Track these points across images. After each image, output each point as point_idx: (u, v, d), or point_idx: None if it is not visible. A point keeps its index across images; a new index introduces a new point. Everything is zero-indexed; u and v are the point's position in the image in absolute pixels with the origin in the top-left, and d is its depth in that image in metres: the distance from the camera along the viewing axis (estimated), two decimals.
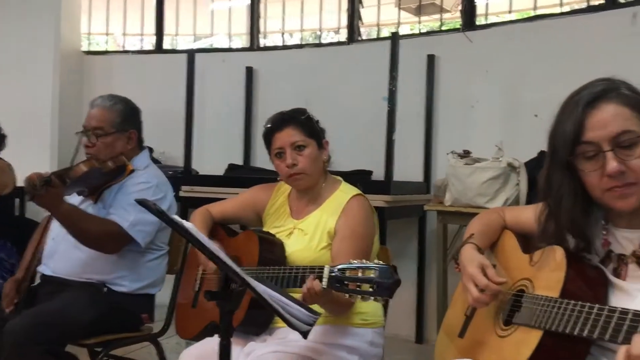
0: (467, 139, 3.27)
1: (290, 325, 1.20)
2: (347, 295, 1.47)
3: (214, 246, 1.22)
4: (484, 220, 1.65)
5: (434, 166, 3.54)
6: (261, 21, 4.44)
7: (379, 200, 3.05)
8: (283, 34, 4.50)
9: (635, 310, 1.05)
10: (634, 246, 1.33)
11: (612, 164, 1.23)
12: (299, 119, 1.95)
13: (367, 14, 4.08)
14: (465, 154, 2.89)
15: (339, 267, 1.52)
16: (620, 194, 1.26)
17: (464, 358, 1.48)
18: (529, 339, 1.29)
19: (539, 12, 3.24)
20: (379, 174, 3.45)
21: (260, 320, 1.84)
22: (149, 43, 4.78)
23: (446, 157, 3.01)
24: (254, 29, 4.42)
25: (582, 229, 1.36)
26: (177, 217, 1.23)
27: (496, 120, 3.20)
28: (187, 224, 1.20)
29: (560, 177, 1.34)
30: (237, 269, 1.20)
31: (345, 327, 1.89)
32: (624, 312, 1.08)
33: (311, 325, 1.21)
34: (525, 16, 3.30)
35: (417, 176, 3.58)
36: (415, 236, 3.58)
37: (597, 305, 1.16)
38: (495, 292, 1.41)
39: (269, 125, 1.97)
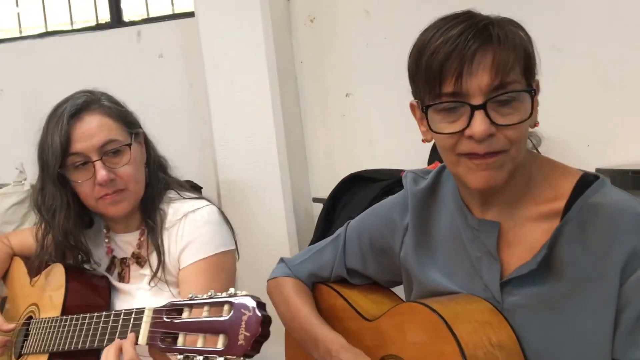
0: None
1: None
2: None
3: None
4: None
5: None
6: None
7: None
8: None
9: (116, 311, 1.11)
10: (133, 247, 1.42)
11: (102, 173, 1.29)
12: None
13: None
14: None
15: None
16: (111, 200, 1.33)
17: None
18: None
19: (50, 29, 3.17)
20: None
21: None
22: None
23: None
24: None
25: (78, 241, 1.38)
26: None
27: (17, 142, 3.00)
28: None
29: (52, 191, 1.34)
30: None
31: None
32: (108, 314, 1.14)
33: None
34: (36, 33, 3.19)
35: None
36: None
37: (88, 315, 1.19)
38: (2, 344, 1.33)
39: None
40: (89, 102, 1.34)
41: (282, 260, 1.30)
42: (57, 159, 1.30)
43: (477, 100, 0.88)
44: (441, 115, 0.92)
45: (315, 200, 2.70)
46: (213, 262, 1.35)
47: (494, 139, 0.88)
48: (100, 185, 1.30)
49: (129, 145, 1.34)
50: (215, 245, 1.37)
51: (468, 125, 0.88)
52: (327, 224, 2.31)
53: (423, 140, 0.99)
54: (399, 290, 1.21)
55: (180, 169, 1.55)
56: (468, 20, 0.90)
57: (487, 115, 0.87)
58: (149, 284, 1.37)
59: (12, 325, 1.33)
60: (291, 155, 2.69)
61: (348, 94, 2.76)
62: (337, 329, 1.13)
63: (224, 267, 1.38)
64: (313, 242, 2.35)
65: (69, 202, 1.34)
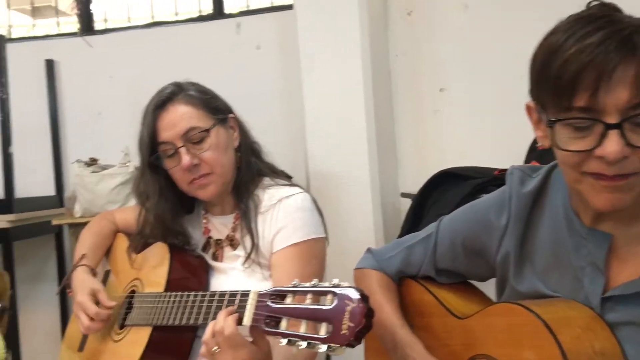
0: (97, 147, 3.17)
1: None
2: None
3: None
4: (94, 229, 1.63)
5: (66, 178, 3.35)
6: None
7: (1, 221, 2.77)
8: None
9: (220, 292, 1.16)
10: (228, 230, 1.48)
11: (185, 158, 1.36)
12: None
13: None
14: (92, 161, 2.80)
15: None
16: (198, 184, 1.40)
17: None
18: (139, 338, 1.32)
19: (156, 19, 3.33)
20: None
21: None
22: None
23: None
24: None
25: (172, 225, 1.46)
26: None
27: (124, 126, 3.18)
28: None
29: (148, 178, 1.45)
30: None
31: None
32: (213, 294, 1.19)
33: None
34: (143, 23, 3.36)
35: (49, 190, 3.33)
36: (53, 254, 3.33)
37: (193, 293, 1.24)
38: (106, 318, 1.41)
39: None
40: (174, 93, 1.42)
41: (369, 250, 1.30)
42: (147, 149, 1.40)
43: (612, 119, 0.79)
44: (568, 130, 0.83)
45: (404, 195, 2.68)
46: (304, 248, 1.38)
47: (627, 161, 0.80)
48: (186, 171, 1.37)
49: (212, 130, 1.40)
50: (307, 231, 1.40)
51: (599, 144, 0.80)
52: (415, 219, 2.29)
53: (538, 147, 0.93)
54: (486, 288, 1.19)
55: (272, 159, 1.59)
56: (609, 27, 0.80)
57: (623, 136, 0.79)
58: (243, 265, 1.43)
59: (113, 303, 1.41)
60: (381, 149, 2.68)
61: (442, 89, 2.71)
62: (422, 324, 1.12)
63: (314, 254, 1.41)
64: (400, 237, 2.34)
65: (161, 189, 1.44)
